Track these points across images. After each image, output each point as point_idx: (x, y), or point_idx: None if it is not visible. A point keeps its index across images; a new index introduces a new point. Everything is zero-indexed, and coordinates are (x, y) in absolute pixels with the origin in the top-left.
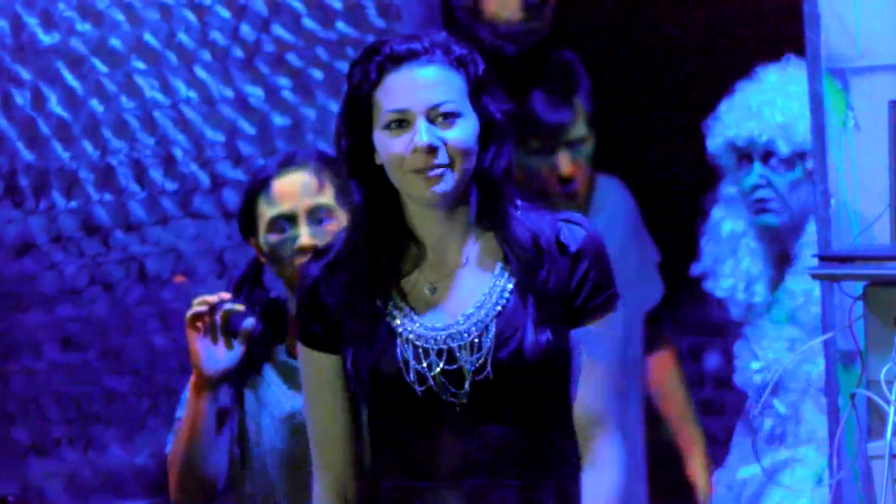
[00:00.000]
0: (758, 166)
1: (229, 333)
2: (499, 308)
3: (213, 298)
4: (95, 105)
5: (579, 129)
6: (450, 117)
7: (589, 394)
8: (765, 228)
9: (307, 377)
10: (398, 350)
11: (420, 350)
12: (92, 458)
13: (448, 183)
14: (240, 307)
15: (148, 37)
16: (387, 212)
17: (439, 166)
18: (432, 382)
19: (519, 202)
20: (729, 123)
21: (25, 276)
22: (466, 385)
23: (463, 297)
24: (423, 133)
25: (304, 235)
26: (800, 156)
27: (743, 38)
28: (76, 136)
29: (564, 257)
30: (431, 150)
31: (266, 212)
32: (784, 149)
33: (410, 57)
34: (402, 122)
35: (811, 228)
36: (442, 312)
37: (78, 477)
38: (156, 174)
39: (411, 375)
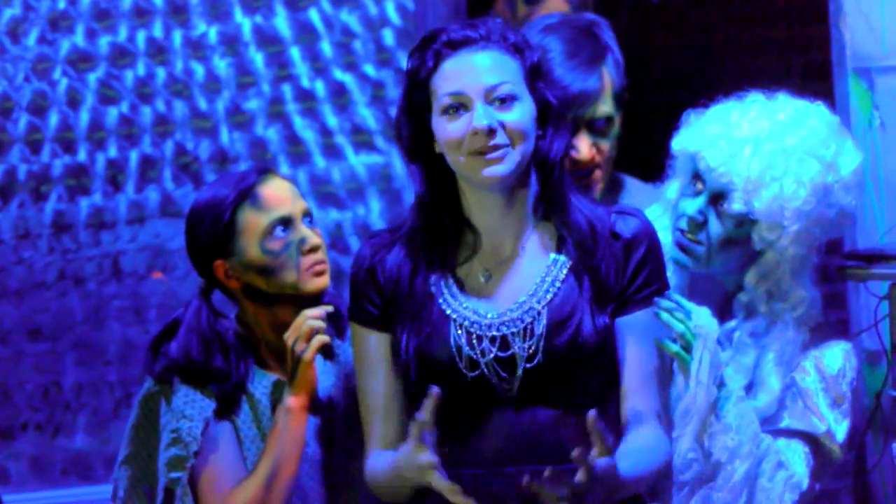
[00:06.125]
0: (703, 200)
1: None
2: (549, 296)
3: (321, 318)
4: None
5: (604, 106)
6: (507, 101)
7: (634, 388)
8: (677, 262)
9: (359, 356)
10: (451, 335)
11: (473, 337)
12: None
13: (507, 165)
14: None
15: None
16: (445, 200)
17: (498, 147)
18: (485, 369)
19: (574, 193)
20: (701, 139)
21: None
22: (519, 371)
23: (516, 285)
24: (480, 116)
25: (312, 235)
26: (751, 222)
27: (768, 37)
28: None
29: (618, 246)
30: (490, 131)
31: (258, 219)
32: (737, 206)
33: (467, 43)
34: (459, 107)
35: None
36: (495, 300)
37: (44, 460)
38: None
39: (463, 362)
